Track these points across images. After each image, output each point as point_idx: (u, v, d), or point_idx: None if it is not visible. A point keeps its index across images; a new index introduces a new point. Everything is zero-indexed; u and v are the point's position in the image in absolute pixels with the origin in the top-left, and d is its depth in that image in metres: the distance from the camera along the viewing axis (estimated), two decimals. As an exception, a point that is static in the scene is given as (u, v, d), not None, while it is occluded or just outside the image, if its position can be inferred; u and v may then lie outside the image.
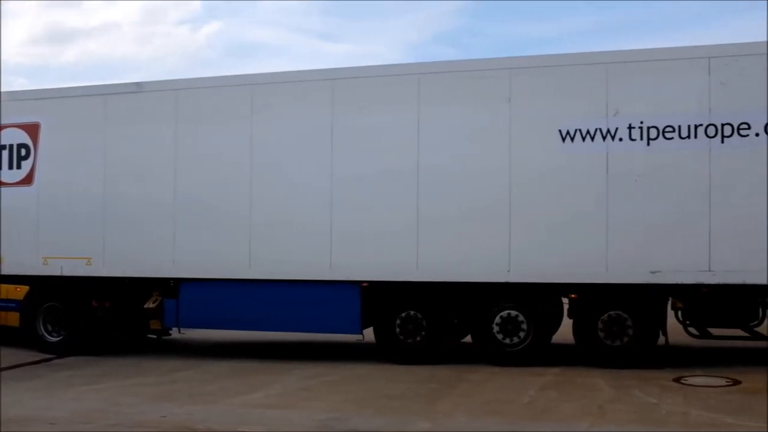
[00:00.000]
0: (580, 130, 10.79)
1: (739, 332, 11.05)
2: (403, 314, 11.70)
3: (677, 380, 9.95)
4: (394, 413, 8.56)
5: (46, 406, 9.19)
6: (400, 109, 11.53)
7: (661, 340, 11.04)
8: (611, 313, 10.96)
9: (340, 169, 11.67)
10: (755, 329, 10.91)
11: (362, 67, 12.19)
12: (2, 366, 11.83)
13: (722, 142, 10.35)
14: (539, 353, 11.30)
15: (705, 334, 11.15)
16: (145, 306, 12.78)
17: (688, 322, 11.07)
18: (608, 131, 10.72)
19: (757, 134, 10.25)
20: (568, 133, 10.82)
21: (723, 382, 9.84)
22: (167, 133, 12.46)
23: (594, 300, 11.06)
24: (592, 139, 10.75)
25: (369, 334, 12.14)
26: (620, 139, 10.66)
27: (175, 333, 13.90)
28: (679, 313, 11.07)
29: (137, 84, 12.95)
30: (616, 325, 10.93)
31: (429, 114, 11.37)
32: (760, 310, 10.84)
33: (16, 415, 8.56)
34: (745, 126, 10.28)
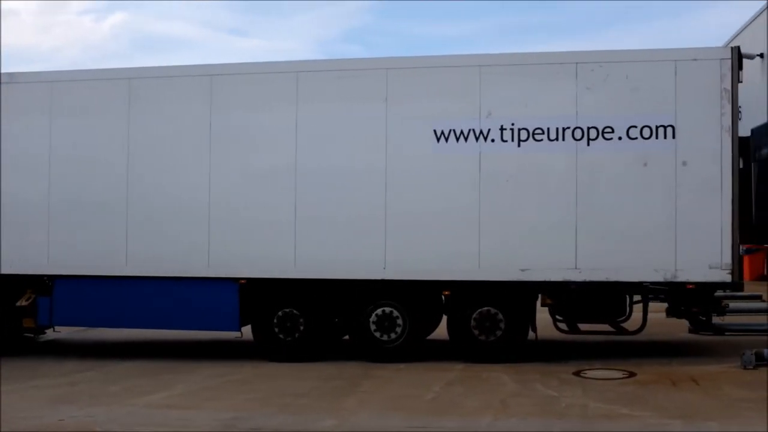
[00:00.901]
0: (454, 131, 11.02)
1: (607, 327, 11.47)
2: (281, 312, 11.70)
3: (577, 374, 10.24)
4: (299, 411, 8.54)
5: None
6: (279, 107, 11.55)
7: (532, 335, 11.41)
8: (484, 309, 11.22)
9: (217, 166, 11.60)
10: (621, 324, 11.36)
11: (240, 63, 12.18)
12: None
13: (588, 145, 10.76)
14: (416, 350, 11.47)
15: (574, 330, 11.53)
16: (18, 304, 12.37)
17: (559, 317, 11.44)
18: (481, 132, 10.97)
19: (620, 138, 10.69)
20: (442, 133, 11.04)
21: (620, 374, 10.16)
22: (41, 126, 12.09)
23: (467, 297, 11.29)
24: (466, 139, 11.00)
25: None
26: (492, 140, 10.94)
27: (76, 334, 13.52)
28: (550, 309, 11.46)
29: (10, 75, 12.45)
30: (489, 321, 11.20)
31: (307, 112, 11.43)
32: (628, 306, 11.30)
33: None
34: (609, 130, 10.72)
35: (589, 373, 10.27)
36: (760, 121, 23.80)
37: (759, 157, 23.82)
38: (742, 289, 11.39)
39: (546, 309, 11.50)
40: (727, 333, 13.14)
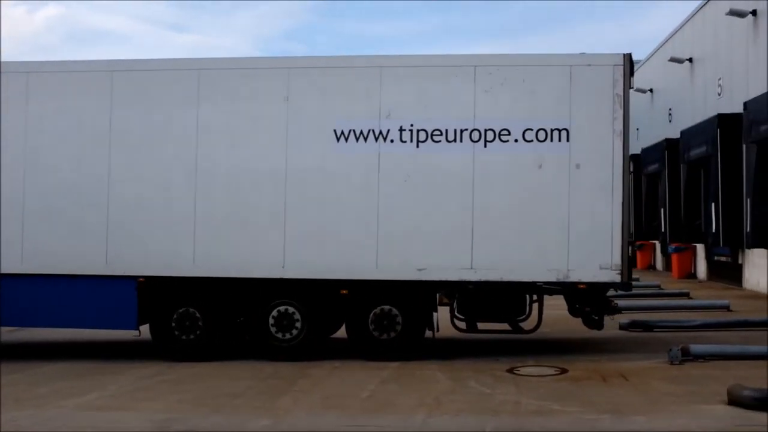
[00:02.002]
0: (354, 131, 11.13)
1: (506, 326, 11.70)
2: (181, 310, 11.60)
3: (510, 371, 10.37)
4: (234, 411, 8.48)
5: None
6: (180, 104, 11.51)
7: (431, 333, 11.54)
8: (381, 308, 11.30)
9: (117, 163, 11.50)
10: (520, 324, 11.60)
11: (142, 59, 12.06)
12: None
13: (485, 146, 10.96)
14: (314, 348, 11.54)
15: (472, 328, 11.69)
16: None
17: (460, 316, 11.57)
18: (380, 132, 11.10)
19: (516, 140, 10.92)
20: (342, 133, 11.15)
21: (552, 371, 10.33)
22: None
23: (365, 295, 11.37)
24: (365, 139, 11.12)
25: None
26: (392, 141, 11.07)
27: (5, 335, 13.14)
28: (450, 308, 11.62)
29: None
30: (386, 320, 11.29)
31: (208, 110, 11.42)
32: (528, 305, 11.53)
33: None
34: (506, 132, 10.93)
35: (522, 370, 10.41)
36: (689, 122, 24.54)
37: (688, 159, 24.51)
38: (630, 289, 11.66)
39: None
40: (655, 329, 13.54)
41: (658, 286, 21.00)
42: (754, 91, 19.54)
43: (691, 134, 24.17)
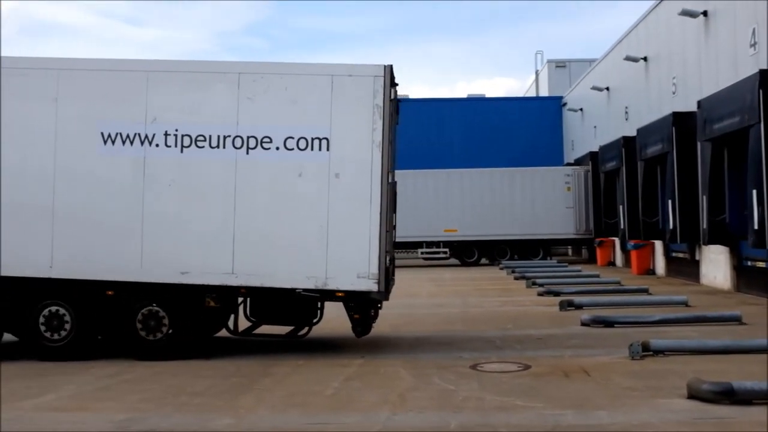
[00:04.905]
0: (120, 134, 11.28)
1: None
2: None
3: (474, 367, 10.40)
4: (196, 410, 8.38)
5: None
6: None
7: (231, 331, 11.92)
8: (149, 308, 11.43)
9: None
10: (299, 329, 11.92)
11: None
12: None
13: (247, 153, 11.16)
14: (84, 348, 11.58)
15: (249, 331, 11.95)
16: None
17: (253, 318, 11.82)
18: (146, 137, 11.26)
19: (277, 148, 11.12)
20: (109, 136, 11.28)
21: (515, 367, 10.38)
22: None
23: (132, 296, 11.48)
24: (132, 143, 11.27)
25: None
26: (157, 145, 11.24)
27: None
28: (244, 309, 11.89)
29: None
30: (153, 320, 11.42)
31: None
32: (319, 309, 11.67)
33: None
34: (268, 140, 11.14)
35: (486, 366, 10.44)
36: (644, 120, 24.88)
37: (644, 156, 24.86)
38: (386, 299, 11.68)
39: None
40: (616, 325, 13.68)
41: (618, 282, 21.27)
42: (708, 90, 19.85)
43: (647, 132, 24.48)
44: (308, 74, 11.35)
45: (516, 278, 25.18)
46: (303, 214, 11.07)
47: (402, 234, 33.68)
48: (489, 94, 53.82)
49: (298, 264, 11.02)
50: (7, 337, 12.40)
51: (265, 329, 12.05)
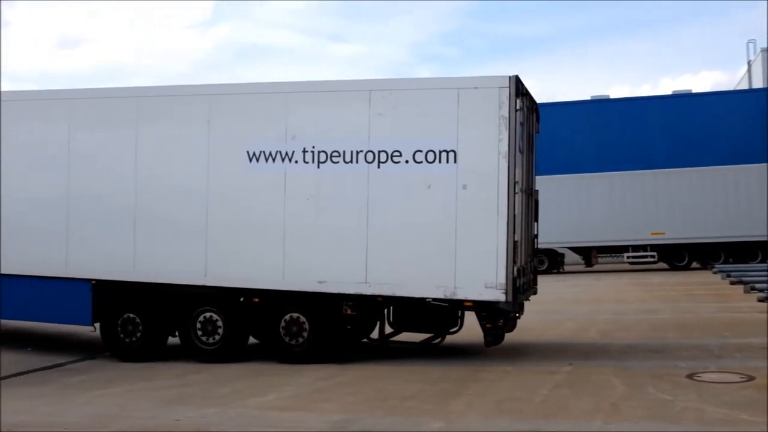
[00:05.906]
0: (264, 152, 11.88)
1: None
2: (125, 315, 12.79)
3: (690, 377, 9.90)
4: (407, 413, 8.56)
5: (57, 411, 9.21)
6: (120, 128, 12.78)
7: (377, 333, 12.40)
8: (291, 315, 11.91)
9: (76, 182, 12.96)
10: (436, 337, 12.24)
11: (96, 89, 13.70)
12: (13, 371, 11.88)
13: (378, 167, 11.40)
14: (236, 351, 12.30)
15: (388, 338, 12.39)
16: None
17: (396, 326, 12.24)
18: (287, 154, 11.77)
19: (407, 161, 11.28)
20: (254, 154, 11.92)
21: (737, 378, 9.78)
22: None
23: (276, 303, 12.04)
24: (273, 160, 11.83)
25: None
26: (296, 161, 11.75)
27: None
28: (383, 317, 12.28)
29: None
30: (295, 326, 11.89)
31: (146, 134, 12.62)
32: (459, 318, 11.88)
33: (24, 422, 8.60)
34: (398, 153, 11.32)
35: (704, 376, 9.92)
36: None
37: None
38: (514, 309, 11.49)
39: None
40: None
41: None
42: None
43: None
44: (435, 89, 11.54)
45: (732, 283, 23.71)
46: (432, 225, 11.22)
47: (604, 238, 33.20)
48: (695, 90, 51.06)
49: (427, 274, 11.21)
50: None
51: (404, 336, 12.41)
